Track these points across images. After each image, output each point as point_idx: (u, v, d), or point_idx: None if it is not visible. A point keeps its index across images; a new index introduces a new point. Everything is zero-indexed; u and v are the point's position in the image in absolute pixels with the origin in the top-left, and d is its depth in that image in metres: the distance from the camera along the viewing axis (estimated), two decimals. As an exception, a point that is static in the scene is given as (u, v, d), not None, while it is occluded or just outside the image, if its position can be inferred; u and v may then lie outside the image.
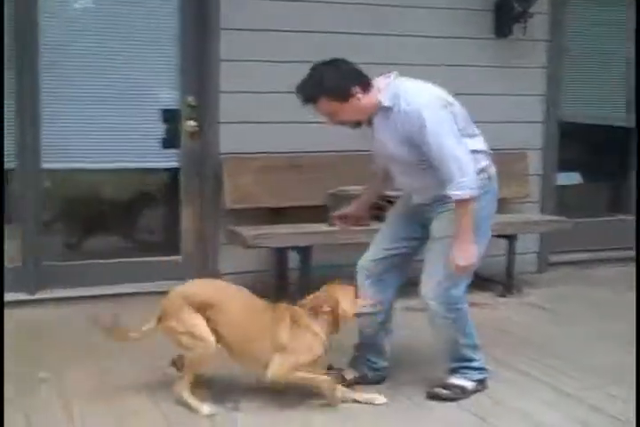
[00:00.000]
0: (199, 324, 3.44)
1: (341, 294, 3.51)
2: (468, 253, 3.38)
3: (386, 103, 3.40)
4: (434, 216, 3.58)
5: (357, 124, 3.51)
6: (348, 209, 3.94)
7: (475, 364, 3.73)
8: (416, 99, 3.37)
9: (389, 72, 3.50)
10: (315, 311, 3.49)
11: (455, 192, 3.33)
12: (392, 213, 3.87)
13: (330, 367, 3.79)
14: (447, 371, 3.75)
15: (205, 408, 3.46)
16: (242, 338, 3.48)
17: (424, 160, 3.41)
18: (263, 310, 3.54)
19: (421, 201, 3.63)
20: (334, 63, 3.45)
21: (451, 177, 3.32)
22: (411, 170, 3.52)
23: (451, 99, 3.47)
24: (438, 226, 3.55)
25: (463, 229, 3.37)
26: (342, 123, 3.51)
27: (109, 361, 4.04)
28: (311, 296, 3.57)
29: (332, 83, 3.38)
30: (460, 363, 3.72)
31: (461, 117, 3.46)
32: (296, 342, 3.44)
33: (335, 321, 3.47)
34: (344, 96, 3.38)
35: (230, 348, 3.49)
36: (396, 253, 3.72)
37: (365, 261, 3.76)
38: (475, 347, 3.72)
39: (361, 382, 3.78)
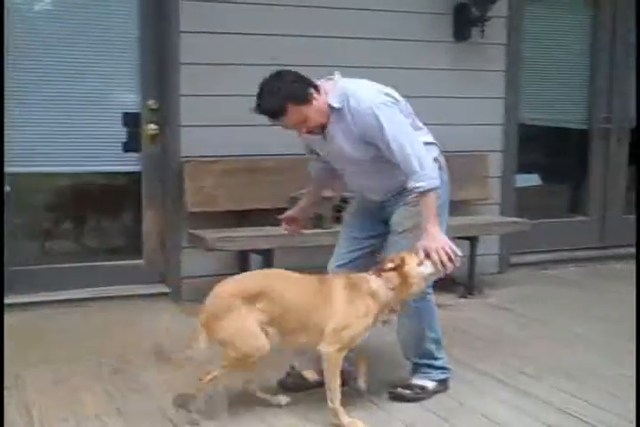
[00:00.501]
0: (251, 322, 3.29)
1: (407, 254, 3.37)
2: (441, 241, 3.40)
3: (335, 105, 3.41)
4: (394, 210, 3.61)
5: (323, 127, 3.48)
6: (290, 212, 3.91)
7: (438, 362, 3.76)
8: (366, 97, 3.39)
9: (330, 75, 3.53)
10: (378, 271, 3.36)
11: (418, 184, 3.37)
12: (349, 215, 3.89)
13: (292, 368, 3.79)
14: (410, 369, 3.78)
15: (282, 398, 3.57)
16: (299, 318, 3.34)
17: (381, 157, 3.44)
18: (313, 284, 3.42)
19: (379, 198, 3.66)
20: (280, 74, 3.46)
21: (412, 170, 3.36)
22: (368, 169, 3.54)
23: (396, 94, 3.51)
24: (399, 220, 3.58)
25: (431, 219, 3.39)
26: (311, 130, 3.48)
27: (68, 364, 4.03)
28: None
29: (290, 88, 3.38)
30: (424, 360, 3.74)
31: (407, 112, 3.52)
32: (352, 308, 3.32)
33: (403, 280, 3.33)
34: (306, 97, 3.37)
35: (286, 332, 3.36)
36: (359, 254, 3.74)
37: (332, 266, 3.78)
38: (438, 343, 3.76)
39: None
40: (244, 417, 3.46)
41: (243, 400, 3.59)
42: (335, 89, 3.44)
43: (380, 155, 3.44)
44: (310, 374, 3.77)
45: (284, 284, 3.41)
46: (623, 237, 6.85)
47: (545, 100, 6.72)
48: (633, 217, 6.94)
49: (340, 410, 3.35)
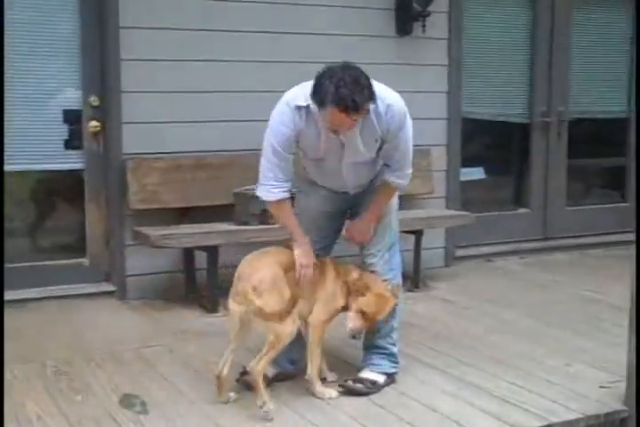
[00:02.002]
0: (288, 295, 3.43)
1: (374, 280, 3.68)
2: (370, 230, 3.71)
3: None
4: (365, 196, 3.72)
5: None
6: (310, 258, 3.62)
7: (394, 349, 3.83)
8: (395, 100, 3.47)
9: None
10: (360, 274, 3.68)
11: (402, 181, 3.65)
12: (311, 210, 3.77)
13: (244, 371, 3.68)
14: (363, 358, 3.83)
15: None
16: (307, 291, 3.58)
17: (378, 156, 3.59)
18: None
19: (354, 192, 3.75)
20: (360, 69, 3.31)
21: (405, 170, 3.63)
22: (365, 167, 3.63)
23: None
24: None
25: (379, 209, 3.68)
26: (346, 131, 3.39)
27: (12, 366, 3.98)
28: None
29: (372, 88, 3.29)
30: (382, 346, 3.79)
31: None
32: (337, 286, 3.62)
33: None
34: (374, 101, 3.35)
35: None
36: (325, 251, 3.82)
37: None
38: (397, 330, 3.85)
39: (282, 378, 3.79)
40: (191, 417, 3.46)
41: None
42: None
43: (379, 153, 3.58)
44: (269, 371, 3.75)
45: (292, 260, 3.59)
46: (565, 229, 6.99)
47: (487, 94, 6.78)
48: (574, 209, 7.09)
49: (316, 378, 3.63)
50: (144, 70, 5.24)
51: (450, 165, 6.38)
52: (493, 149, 7.17)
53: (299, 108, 3.39)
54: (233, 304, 3.45)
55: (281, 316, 3.37)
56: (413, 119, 5.91)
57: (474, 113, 6.63)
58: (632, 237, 3.38)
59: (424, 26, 5.96)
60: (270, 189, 3.53)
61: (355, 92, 3.18)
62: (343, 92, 3.16)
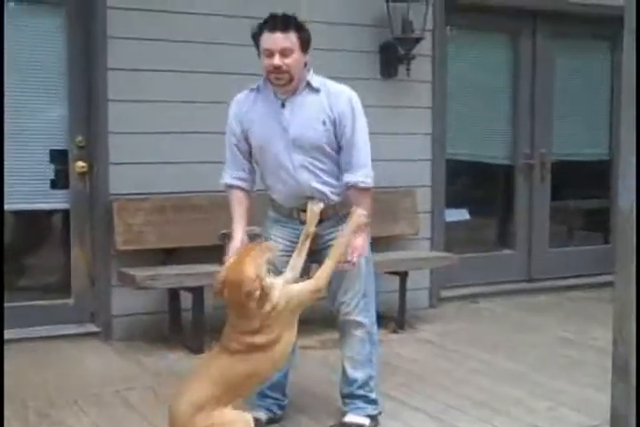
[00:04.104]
0: None
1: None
2: (365, 241, 3.62)
3: (314, 84, 3.58)
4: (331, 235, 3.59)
5: (289, 81, 3.52)
6: (235, 242, 3.63)
7: (373, 395, 3.79)
8: (344, 87, 3.67)
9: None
10: None
11: (365, 179, 3.58)
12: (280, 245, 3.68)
13: None
14: (344, 404, 3.79)
15: None
16: None
17: (326, 151, 3.57)
18: None
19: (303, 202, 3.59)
20: None
21: (362, 164, 3.58)
22: (312, 163, 3.57)
23: None
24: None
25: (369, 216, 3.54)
26: (282, 70, 3.48)
27: None
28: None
29: (307, 30, 3.57)
30: (362, 391, 3.75)
31: None
32: None
33: None
34: (306, 47, 3.56)
35: None
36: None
37: None
38: (374, 375, 3.80)
39: (271, 422, 3.78)
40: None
41: None
42: (312, 75, 3.63)
43: (326, 147, 3.56)
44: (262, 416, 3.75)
45: None
46: (548, 270, 7.02)
47: (471, 136, 6.86)
48: (557, 251, 7.14)
49: None
50: (131, 111, 5.29)
51: (434, 206, 6.42)
52: (477, 190, 7.23)
53: (250, 90, 3.69)
54: None
55: None
56: (398, 161, 6.06)
57: (458, 154, 6.70)
58: (613, 278, 3.40)
59: (408, 69, 6.05)
60: (224, 173, 3.77)
61: (285, 18, 3.53)
62: (275, 18, 3.53)
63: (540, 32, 6.96)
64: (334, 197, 3.63)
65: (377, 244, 5.77)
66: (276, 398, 3.81)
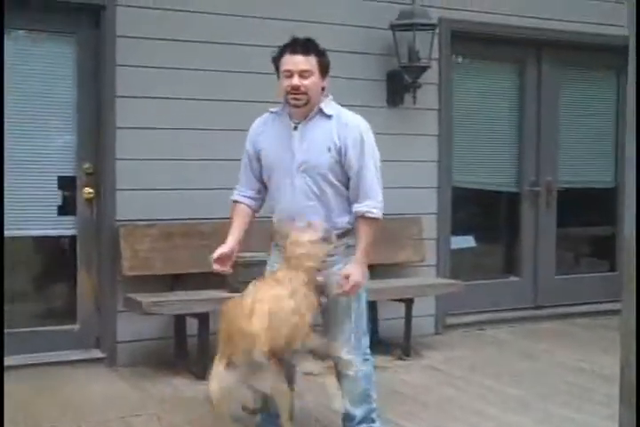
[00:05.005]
0: None
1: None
2: (364, 271, 3.59)
3: (327, 111, 3.60)
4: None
5: (306, 103, 3.57)
6: (223, 248, 3.71)
7: (376, 425, 3.78)
8: (357, 117, 3.69)
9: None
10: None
11: (374, 209, 3.57)
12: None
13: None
14: None
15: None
16: None
17: (333, 180, 3.57)
18: None
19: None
20: None
21: (373, 195, 3.57)
22: (315, 185, 3.57)
23: None
24: (332, 282, 3.61)
25: (368, 247, 3.56)
26: (300, 91, 3.54)
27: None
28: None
29: (326, 56, 3.65)
30: (366, 424, 3.75)
31: None
32: None
33: None
34: (325, 71, 3.63)
35: None
36: None
37: None
38: (375, 410, 3.79)
39: None
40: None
41: None
42: (329, 102, 3.66)
43: (329, 175, 3.56)
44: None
45: None
46: (555, 298, 7.01)
47: (477, 163, 6.88)
48: (563, 277, 7.13)
49: None
50: (138, 138, 5.33)
51: (440, 233, 6.43)
52: (483, 217, 7.24)
53: (271, 112, 3.77)
54: None
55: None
56: (404, 188, 6.07)
57: (464, 182, 6.72)
58: (620, 306, 3.39)
59: (414, 97, 6.09)
60: (235, 190, 3.85)
61: (306, 42, 3.60)
62: (296, 41, 3.60)
63: (546, 61, 7.01)
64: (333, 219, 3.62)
65: (383, 271, 5.86)
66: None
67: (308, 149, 3.58)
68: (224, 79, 5.55)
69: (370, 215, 3.56)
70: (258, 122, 3.81)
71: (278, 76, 3.64)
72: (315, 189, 3.59)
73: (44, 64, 5.34)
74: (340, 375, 3.70)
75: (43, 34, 5.37)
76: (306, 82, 3.54)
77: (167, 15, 5.41)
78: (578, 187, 7.31)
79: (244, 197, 3.81)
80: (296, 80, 3.53)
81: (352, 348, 3.66)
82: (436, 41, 6.09)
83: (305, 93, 3.54)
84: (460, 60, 6.72)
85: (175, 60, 5.42)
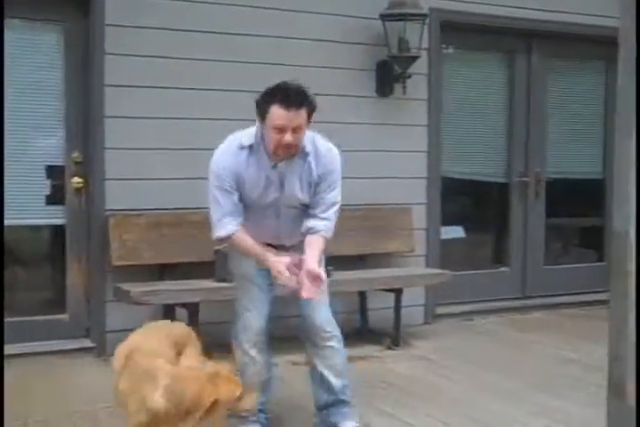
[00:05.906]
0: None
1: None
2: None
3: (307, 149, 3.56)
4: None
5: (295, 153, 3.53)
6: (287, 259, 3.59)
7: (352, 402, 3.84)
8: (331, 145, 3.67)
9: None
10: None
11: (327, 229, 3.63)
12: (256, 273, 3.76)
13: None
14: (332, 409, 3.81)
15: None
16: None
17: (309, 202, 3.63)
18: None
19: (290, 244, 3.74)
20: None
21: (328, 216, 3.63)
22: (297, 214, 3.66)
23: None
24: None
25: (320, 259, 3.60)
26: (291, 146, 3.46)
27: None
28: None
29: (314, 101, 3.52)
30: (346, 395, 3.80)
31: None
32: None
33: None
34: (310, 117, 3.50)
35: None
36: (272, 313, 3.81)
37: (253, 334, 3.75)
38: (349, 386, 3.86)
39: None
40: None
41: None
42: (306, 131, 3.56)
43: (310, 200, 3.62)
44: None
45: None
46: (543, 288, 7.03)
47: (466, 154, 6.89)
48: (551, 268, 7.15)
49: None
50: (127, 127, 5.31)
51: (429, 223, 6.44)
52: (472, 207, 7.26)
53: (242, 147, 3.56)
54: None
55: None
56: (394, 178, 6.09)
57: (453, 172, 6.73)
58: (608, 296, 3.41)
59: (404, 87, 6.09)
60: (226, 224, 3.60)
61: (299, 92, 3.43)
62: (288, 92, 3.41)
63: (536, 51, 7.01)
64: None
65: (372, 261, 5.88)
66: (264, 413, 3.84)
67: (291, 188, 3.59)
68: (213, 68, 5.54)
69: (324, 235, 3.63)
70: (229, 157, 3.56)
71: (260, 117, 3.46)
72: (297, 214, 3.68)
73: (31, 53, 5.33)
74: (318, 348, 3.75)
75: (31, 22, 5.35)
76: (299, 136, 3.46)
77: (156, 4, 5.40)
78: (566, 178, 7.33)
79: (238, 225, 3.62)
80: (290, 137, 3.40)
81: (330, 320, 3.75)
82: (425, 31, 6.08)
83: (296, 146, 3.49)
84: (449, 50, 6.72)
85: (164, 50, 5.40)
